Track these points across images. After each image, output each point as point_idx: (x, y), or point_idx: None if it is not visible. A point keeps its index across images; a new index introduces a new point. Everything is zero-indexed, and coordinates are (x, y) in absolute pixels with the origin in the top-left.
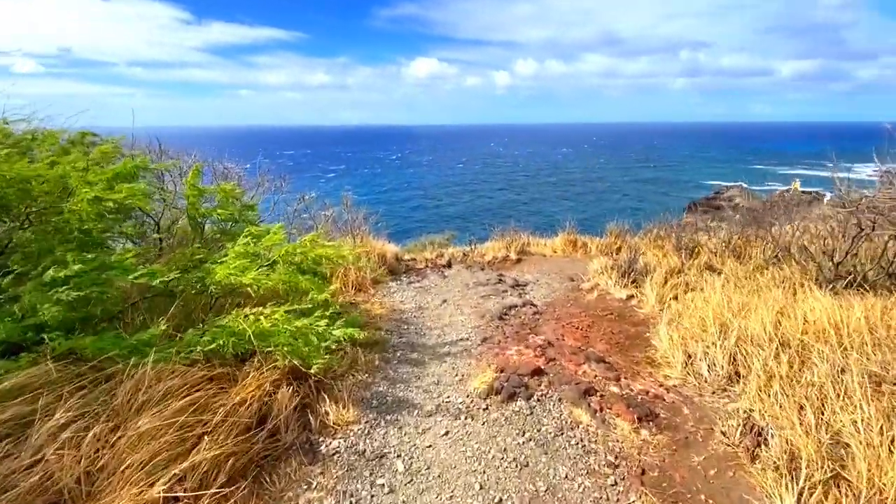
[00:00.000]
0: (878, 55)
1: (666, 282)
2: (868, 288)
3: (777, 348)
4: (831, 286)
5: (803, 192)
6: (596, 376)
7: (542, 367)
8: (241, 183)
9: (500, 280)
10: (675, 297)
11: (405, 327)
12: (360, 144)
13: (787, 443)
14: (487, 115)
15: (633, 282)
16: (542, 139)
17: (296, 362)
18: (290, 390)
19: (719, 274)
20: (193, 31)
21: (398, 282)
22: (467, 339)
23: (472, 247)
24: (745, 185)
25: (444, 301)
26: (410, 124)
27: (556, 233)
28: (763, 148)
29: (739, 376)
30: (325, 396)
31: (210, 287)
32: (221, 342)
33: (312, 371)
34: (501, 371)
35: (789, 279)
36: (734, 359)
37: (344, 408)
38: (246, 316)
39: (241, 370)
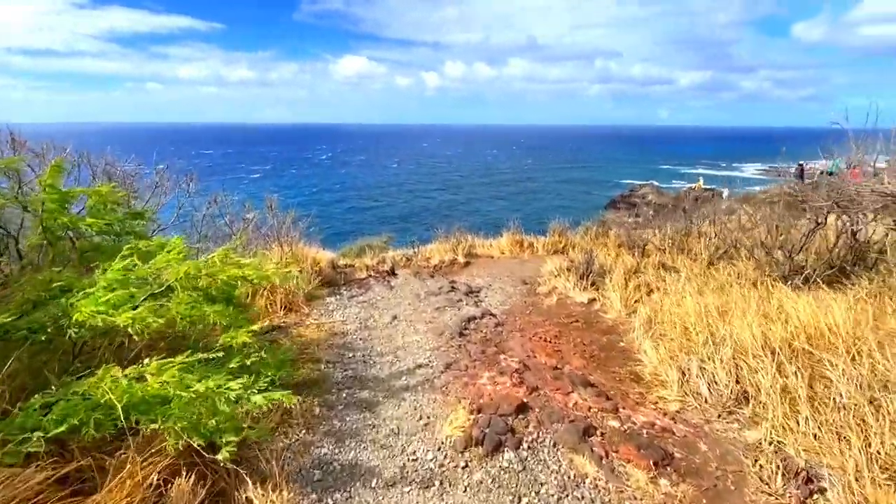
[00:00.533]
0: (758, 69)
1: (627, 283)
2: (821, 283)
3: (778, 359)
4: (788, 282)
5: (705, 189)
6: (590, 408)
7: (526, 401)
8: (129, 185)
9: (453, 288)
10: (640, 300)
11: (350, 355)
12: (287, 143)
13: (851, 492)
14: (418, 115)
15: (592, 284)
16: (472, 140)
17: (196, 444)
18: (192, 478)
19: (675, 272)
20: (87, 15)
21: (337, 296)
22: (427, 364)
23: (416, 250)
24: (655, 184)
25: (395, 317)
26: (339, 123)
27: (500, 232)
28: (668, 150)
29: (748, 396)
30: (247, 476)
31: (70, 330)
32: (77, 420)
33: (221, 457)
34: (478, 411)
35: (744, 275)
36: (735, 374)
37: (275, 489)
38: (116, 379)
39: (113, 459)
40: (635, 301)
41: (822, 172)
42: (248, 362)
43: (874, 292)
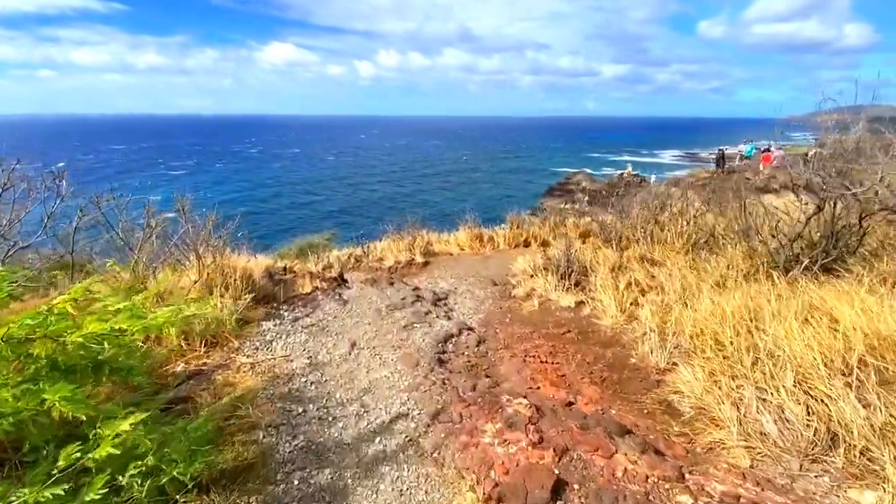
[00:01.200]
0: (670, 63)
1: (616, 282)
2: (819, 272)
3: (855, 380)
4: (788, 272)
5: (634, 175)
6: (646, 476)
7: (560, 475)
8: None
9: (418, 297)
10: (636, 302)
11: (299, 411)
12: (211, 136)
13: None
14: (353, 105)
15: (576, 284)
16: (410, 131)
17: None
18: None
19: (660, 266)
20: None
21: (277, 319)
22: (407, 414)
23: (365, 248)
24: (588, 171)
25: (353, 345)
26: (268, 114)
27: (454, 225)
28: (595, 138)
29: (835, 438)
30: None
31: None
32: None
33: None
34: (497, 501)
35: (735, 266)
36: (807, 405)
37: None
38: None
39: None
40: (631, 303)
41: (740, 157)
42: (129, 474)
43: (888, 280)
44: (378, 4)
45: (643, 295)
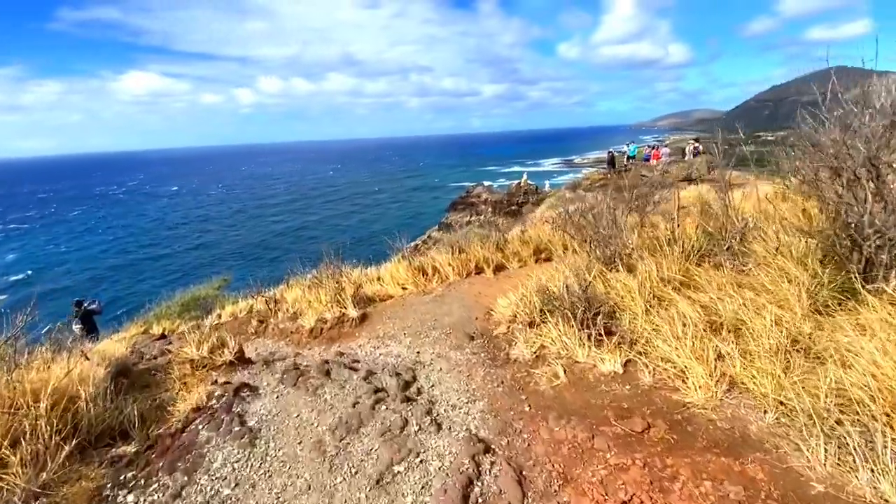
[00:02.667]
0: (540, 81)
1: (673, 326)
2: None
3: None
4: (871, 283)
5: (529, 183)
6: None
7: None
8: None
9: (377, 392)
10: (722, 356)
11: None
12: (61, 179)
13: None
14: (235, 135)
15: (607, 333)
16: (302, 157)
17: None
18: None
19: (697, 289)
20: None
21: (122, 492)
22: None
23: (273, 300)
24: (485, 184)
25: None
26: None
27: (379, 253)
28: (483, 153)
29: None
30: None
31: None
32: None
33: None
34: None
35: (797, 280)
36: None
37: None
38: None
39: None
40: (717, 358)
41: (627, 157)
42: None
43: None
44: (252, 29)
45: (716, 340)
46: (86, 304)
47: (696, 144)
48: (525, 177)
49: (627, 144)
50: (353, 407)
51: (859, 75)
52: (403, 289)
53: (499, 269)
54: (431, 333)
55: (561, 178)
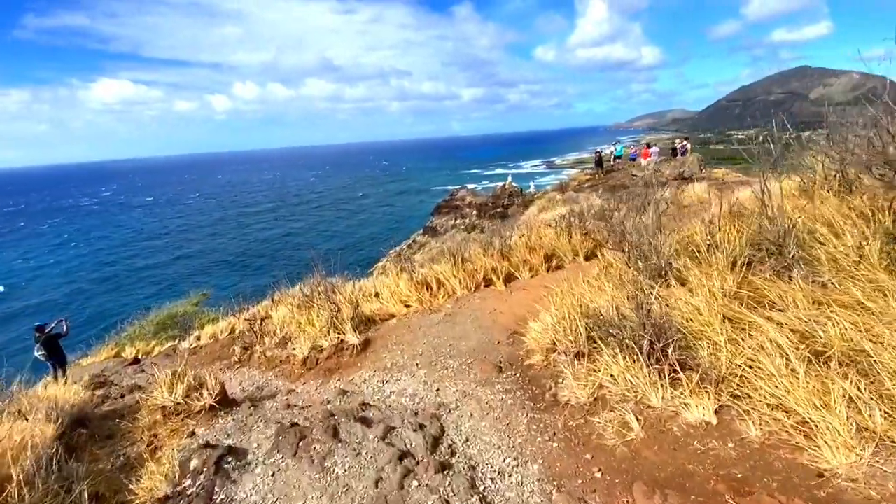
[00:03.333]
0: (518, 84)
1: (779, 358)
2: None
3: None
4: None
5: (513, 185)
6: None
7: None
8: None
9: (402, 458)
10: (851, 401)
11: None
12: (28, 192)
13: None
14: (210, 142)
15: (679, 367)
16: (282, 163)
17: None
18: None
19: (777, 310)
20: None
21: None
22: None
23: (257, 324)
24: (469, 187)
25: None
26: (105, 160)
27: (373, 261)
28: (465, 156)
29: None
30: None
31: None
32: None
33: None
34: None
35: None
36: None
37: None
38: None
39: None
40: (847, 404)
41: (613, 157)
42: None
43: None
44: (226, 35)
45: (842, 375)
46: (49, 328)
47: (685, 142)
48: (510, 179)
49: (614, 144)
50: (376, 487)
51: (821, 75)
52: (406, 306)
53: (508, 279)
54: (449, 364)
55: (543, 179)
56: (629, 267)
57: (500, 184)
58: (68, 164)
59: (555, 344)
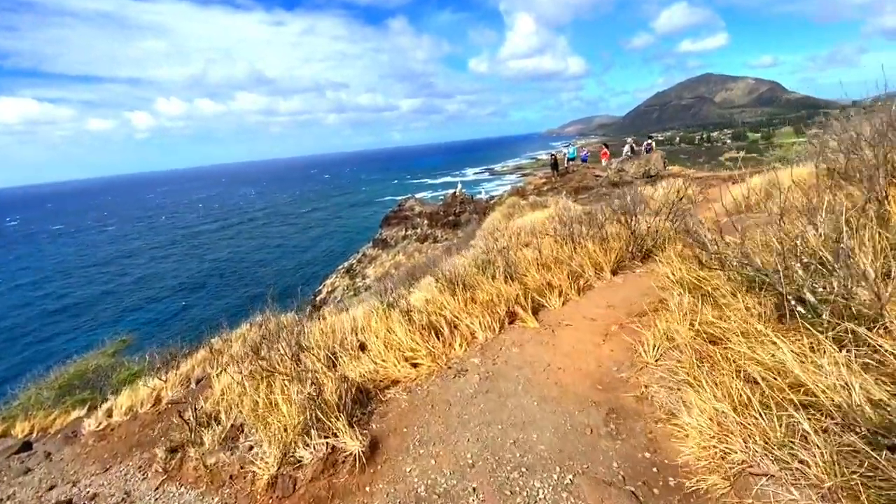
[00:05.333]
0: (454, 94)
1: None
2: None
3: None
4: None
5: (464, 193)
6: None
7: None
8: None
9: None
10: None
11: None
12: None
13: None
14: (132, 163)
15: None
16: (217, 181)
17: None
18: None
19: None
20: None
21: None
22: None
23: (192, 405)
24: (417, 196)
25: None
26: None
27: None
28: (407, 165)
29: None
30: None
31: None
32: None
33: None
34: None
35: None
36: None
37: None
38: None
39: None
40: None
41: (567, 159)
42: None
43: None
44: (146, 48)
45: None
46: None
47: (650, 141)
48: (460, 186)
49: (567, 146)
50: None
51: (723, 80)
52: (413, 365)
53: (535, 310)
54: (533, 487)
55: (488, 184)
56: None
57: (450, 191)
58: None
59: (748, 460)
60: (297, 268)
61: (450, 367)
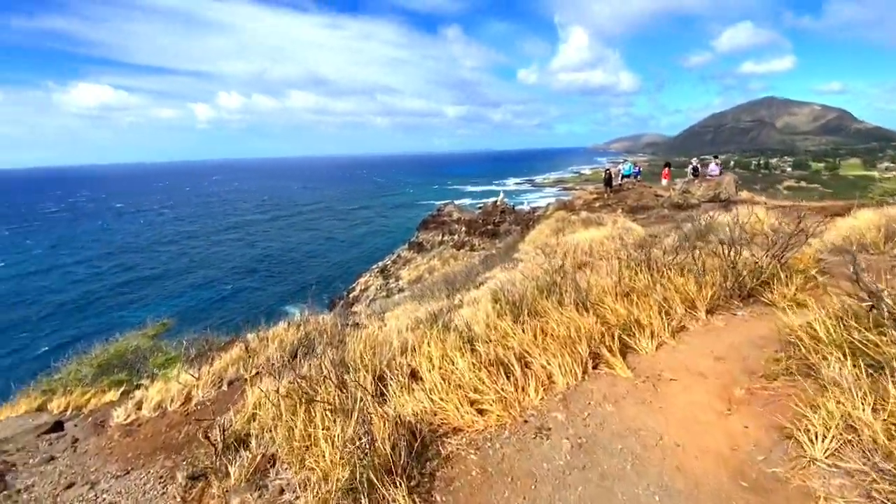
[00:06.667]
0: (501, 104)
1: None
2: None
3: None
4: None
5: (506, 202)
6: None
7: None
8: None
9: None
10: None
11: None
12: None
13: None
14: (192, 151)
15: None
16: (264, 174)
17: None
18: None
19: None
20: None
21: None
22: None
23: (219, 424)
24: (456, 203)
25: None
26: (80, 164)
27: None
28: (449, 172)
29: None
30: None
31: None
32: None
33: None
34: None
35: None
36: None
37: None
38: None
39: None
40: None
41: (622, 176)
42: None
43: None
44: (212, 45)
45: None
46: None
47: (718, 162)
48: (502, 195)
49: (623, 161)
50: None
51: (786, 105)
52: (480, 412)
53: (622, 352)
54: None
55: (530, 196)
56: None
57: (490, 200)
58: (39, 167)
59: None
60: (343, 263)
61: (526, 421)
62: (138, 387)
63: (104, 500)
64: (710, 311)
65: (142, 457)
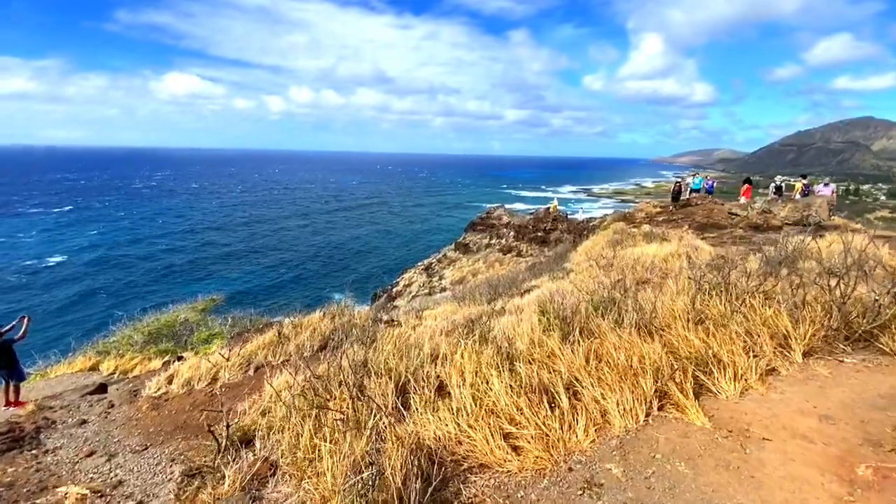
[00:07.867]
0: (563, 109)
1: None
2: None
3: None
4: None
5: (559, 209)
6: None
7: None
8: None
9: None
10: None
11: None
12: (94, 170)
13: None
14: (261, 139)
15: None
16: (325, 166)
17: None
18: None
19: None
20: None
21: None
22: None
23: (227, 425)
24: (505, 206)
25: None
26: (165, 146)
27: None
28: (502, 175)
29: None
30: None
31: None
32: None
33: None
34: None
35: None
36: None
37: None
38: None
39: None
40: None
41: (690, 190)
42: None
43: None
44: (290, 41)
45: None
46: (3, 331)
47: (806, 182)
48: (555, 202)
49: (693, 175)
50: None
51: (886, 127)
52: (514, 449)
53: (695, 392)
54: None
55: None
56: None
57: (542, 206)
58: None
59: None
60: (395, 257)
61: (571, 469)
62: (179, 358)
63: (115, 475)
64: (807, 354)
65: (162, 433)
